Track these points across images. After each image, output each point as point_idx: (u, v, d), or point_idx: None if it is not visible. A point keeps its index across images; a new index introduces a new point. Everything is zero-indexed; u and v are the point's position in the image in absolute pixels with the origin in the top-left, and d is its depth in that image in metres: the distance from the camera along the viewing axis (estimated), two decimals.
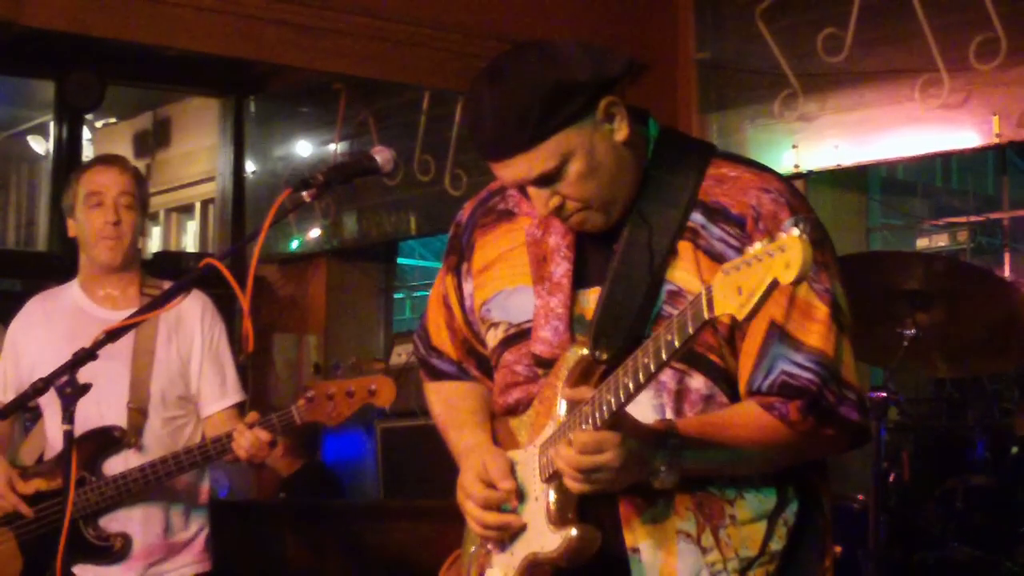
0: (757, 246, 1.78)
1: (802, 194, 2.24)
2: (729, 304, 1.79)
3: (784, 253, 1.73)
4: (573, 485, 2.06)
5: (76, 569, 3.43)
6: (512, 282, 2.31)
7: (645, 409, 2.12)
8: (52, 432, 3.56)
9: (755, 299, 1.76)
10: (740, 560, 2.15)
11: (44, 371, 2.43)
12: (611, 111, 2.12)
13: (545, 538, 2.15)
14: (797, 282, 1.73)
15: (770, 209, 2.13)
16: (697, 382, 2.16)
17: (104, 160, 3.64)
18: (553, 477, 2.15)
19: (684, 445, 2.04)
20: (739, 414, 2.12)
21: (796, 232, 1.73)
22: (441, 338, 2.51)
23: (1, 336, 4.40)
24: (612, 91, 2.12)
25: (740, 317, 1.78)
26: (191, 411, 3.58)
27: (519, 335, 2.29)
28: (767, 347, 2.10)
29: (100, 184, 3.51)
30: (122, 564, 3.45)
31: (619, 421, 2.00)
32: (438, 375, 2.54)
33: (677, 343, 1.88)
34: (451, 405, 2.49)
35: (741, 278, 1.78)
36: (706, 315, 1.83)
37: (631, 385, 1.96)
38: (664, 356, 1.91)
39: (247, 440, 3.28)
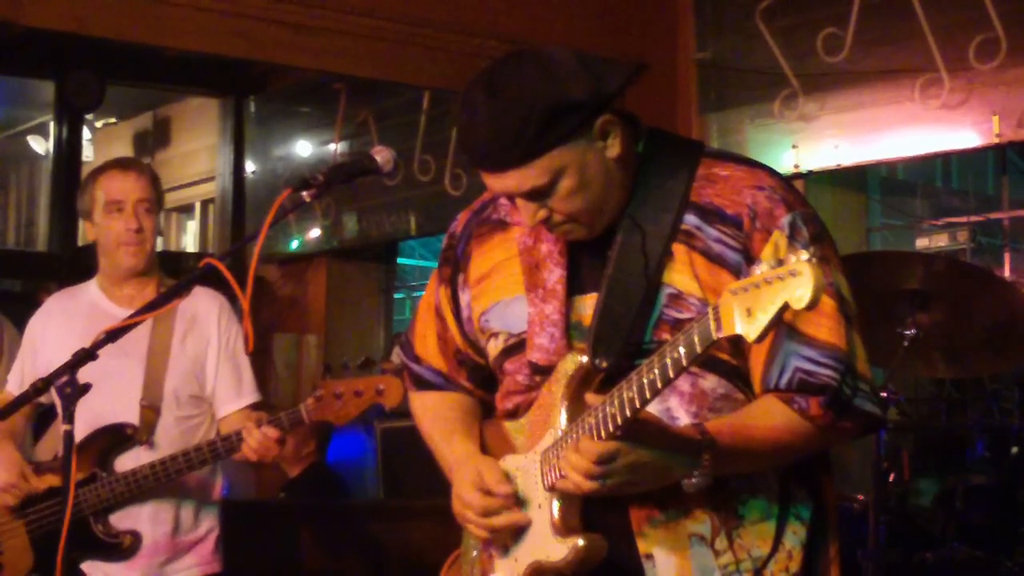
0: (764, 267, 1.77)
1: (796, 188, 2.24)
2: (738, 325, 1.79)
3: (795, 278, 1.73)
4: (579, 487, 2.05)
5: (85, 566, 3.45)
6: (510, 292, 2.31)
7: (655, 412, 2.12)
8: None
9: (766, 323, 1.76)
10: (753, 560, 2.16)
11: None
12: (607, 129, 2.12)
13: (550, 547, 2.15)
14: (810, 307, 1.73)
15: (766, 207, 2.13)
16: (711, 382, 2.16)
17: (122, 165, 3.63)
18: (556, 487, 2.15)
19: (720, 450, 2.04)
20: (763, 412, 2.12)
21: (805, 256, 1.73)
22: (427, 349, 2.51)
23: (2, 333, 4.42)
24: (610, 108, 2.11)
25: (751, 339, 1.78)
26: (206, 411, 3.59)
27: (519, 345, 2.29)
28: (778, 344, 2.10)
29: (120, 191, 3.52)
30: (131, 561, 3.47)
31: (639, 430, 1.99)
32: (422, 384, 2.53)
33: (685, 362, 1.88)
34: (438, 416, 2.48)
35: (750, 300, 1.77)
36: (715, 335, 1.83)
37: (637, 400, 1.95)
38: (671, 373, 1.91)
39: (255, 439, 3.29)
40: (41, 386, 2.40)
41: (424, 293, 2.55)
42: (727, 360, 2.15)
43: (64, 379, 2.37)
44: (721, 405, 2.16)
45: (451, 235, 2.46)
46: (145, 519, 3.48)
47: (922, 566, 4.58)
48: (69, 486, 2.37)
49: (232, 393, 3.59)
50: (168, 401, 3.51)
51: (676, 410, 2.15)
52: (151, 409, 3.49)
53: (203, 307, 3.57)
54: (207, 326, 3.57)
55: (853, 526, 4.44)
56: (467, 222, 2.44)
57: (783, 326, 2.08)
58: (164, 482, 3.41)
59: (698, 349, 1.86)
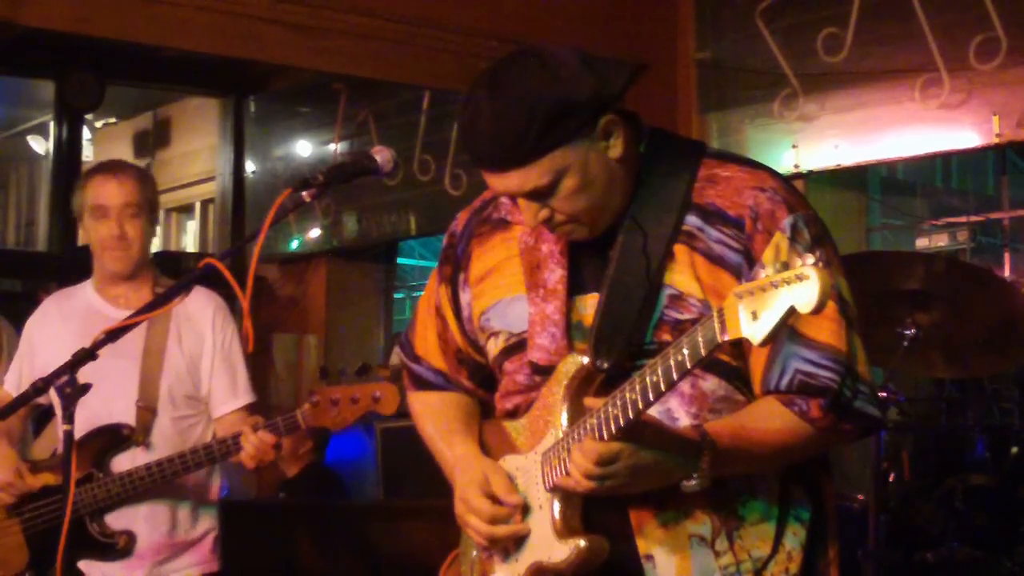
0: (769, 271, 1.77)
1: (797, 190, 2.23)
2: (743, 329, 1.78)
3: (802, 282, 1.72)
4: (581, 487, 2.05)
5: (82, 564, 3.46)
6: (511, 292, 2.31)
7: (656, 414, 2.11)
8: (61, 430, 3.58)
9: (772, 326, 1.75)
10: (754, 560, 2.16)
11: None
12: (609, 129, 2.11)
13: (552, 548, 2.15)
14: (816, 312, 1.72)
15: (767, 208, 2.13)
16: (711, 384, 2.16)
17: (106, 169, 3.61)
18: (557, 487, 2.15)
19: (719, 452, 2.03)
20: (763, 414, 2.12)
21: (812, 260, 1.73)
22: (427, 348, 2.50)
23: (2, 332, 4.43)
24: (612, 108, 2.11)
25: (756, 343, 1.78)
26: (202, 411, 3.59)
27: (519, 344, 2.28)
28: (778, 345, 2.09)
29: (103, 197, 3.52)
30: (127, 561, 3.47)
31: (638, 431, 1.99)
32: (422, 384, 2.53)
33: (689, 364, 1.88)
34: (437, 415, 2.48)
35: (756, 303, 1.77)
36: (720, 339, 1.83)
37: (640, 402, 1.95)
38: (675, 376, 1.90)
39: (251, 444, 3.29)
40: (41, 386, 2.40)
41: (424, 292, 2.55)
42: (727, 361, 2.15)
43: (64, 379, 2.37)
44: (721, 406, 2.15)
45: (452, 234, 2.46)
46: (142, 520, 3.48)
47: (922, 566, 4.58)
48: (69, 485, 2.37)
49: (228, 394, 3.59)
50: (164, 402, 3.51)
51: (676, 411, 2.15)
52: (147, 410, 3.49)
53: (198, 307, 3.56)
54: (202, 326, 3.57)
55: (853, 526, 4.44)
56: (468, 221, 2.44)
57: (784, 327, 2.08)
58: (160, 483, 3.41)
59: (702, 352, 1.86)
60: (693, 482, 2.03)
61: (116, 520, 3.47)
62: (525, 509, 2.21)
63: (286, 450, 5.91)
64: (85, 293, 3.65)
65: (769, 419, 2.11)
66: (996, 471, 5.00)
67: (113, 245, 3.51)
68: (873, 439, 4.28)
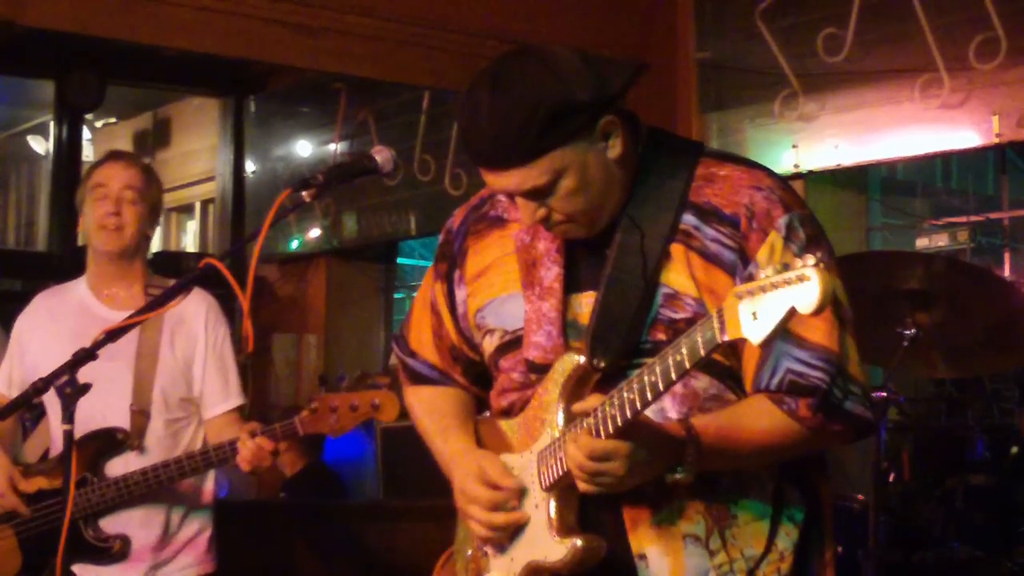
0: (768, 271, 1.77)
1: (794, 189, 2.24)
2: (743, 329, 1.78)
3: (802, 283, 1.72)
4: (579, 486, 2.06)
5: (76, 568, 3.43)
6: (506, 289, 2.31)
7: (648, 411, 2.11)
8: (56, 430, 3.56)
9: (772, 327, 1.75)
10: (746, 560, 2.16)
11: (47, 369, 2.41)
12: (609, 130, 2.12)
13: (548, 547, 2.15)
14: (817, 312, 1.72)
15: (763, 207, 2.13)
16: (703, 383, 2.16)
17: (113, 155, 3.64)
18: (553, 486, 2.15)
19: (704, 448, 2.04)
20: (753, 411, 2.11)
21: (812, 261, 1.73)
22: (422, 344, 2.50)
23: (1, 337, 4.42)
24: (612, 108, 2.11)
25: (755, 344, 1.78)
26: (193, 413, 3.57)
27: (514, 342, 2.28)
28: (771, 345, 2.08)
29: (105, 177, 3.52)
30: (121, 564, 3.46)
31: (633, 429, 1.99)
32: (417, 378, 2.53)
33: (687, 364, 1.88)
34: (434, 410, 2.48)
35: (756, 304, 1.77)
36: (719, 339, 1.83)
37: (638, 402, 1.95)
38: (673, 376, 1.91)
39: (249, 451, 3.28)
40: (41, 386, 2.40)
41: (420, 289, 2.55)
42: (720, 361, 2.15)
43: (64, 379, 2.36)
44: (711, 405, 2.15)
45: (448, 231, 2.46)
46: (136, 523, 3.46)
47: (922, 566, 4.58)
48: (69, 486, 2.37)
49: (220, 395, 3.56)
50: (157, 405, 3.49)
51: (668, 410, 2.14)
52: (141, 413, 3.47)
53: (191, 308, 3.53)
54: (195, 327, 3.55)
55: (853, 526, 4.44)
56: (464, 218, 2.44)
57: (784, 328, 2.08)
58: (155, 488, 3.40)
59: (701, 352, 1.86)
60: (677, 476, 2.03)
61: (111, 524, 3.45)
62: (522, 493, 2.21)
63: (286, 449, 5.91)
64: (77, 291, 3.62)
65: (758, 417, 2.11)
66: (996, 471, 4.99)
67: (106, 223, 3.47)
68: (873, 439, 4.28)
